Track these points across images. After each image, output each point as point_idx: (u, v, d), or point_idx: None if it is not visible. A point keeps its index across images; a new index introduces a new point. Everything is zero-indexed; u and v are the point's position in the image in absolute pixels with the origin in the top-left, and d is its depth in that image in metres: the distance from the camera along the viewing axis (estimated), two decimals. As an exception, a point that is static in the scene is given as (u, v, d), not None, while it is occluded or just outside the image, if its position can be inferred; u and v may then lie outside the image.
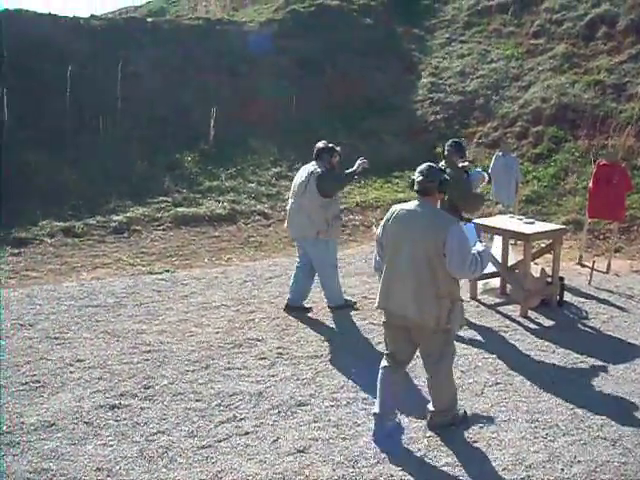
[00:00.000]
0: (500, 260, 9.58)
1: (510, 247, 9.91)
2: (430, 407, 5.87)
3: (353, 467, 5.24)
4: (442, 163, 8.03)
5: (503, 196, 11.96)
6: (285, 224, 9.05)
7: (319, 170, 8.27)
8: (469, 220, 7.74)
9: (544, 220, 11.23)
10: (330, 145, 8.51)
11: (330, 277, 8.64)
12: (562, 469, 5.24)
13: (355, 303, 9.02)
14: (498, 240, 10.09)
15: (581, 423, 5.98)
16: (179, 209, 13.23)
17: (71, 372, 6.82)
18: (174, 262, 11.06)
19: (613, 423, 5.98)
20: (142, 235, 12.17)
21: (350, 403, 6.24)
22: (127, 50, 16.11)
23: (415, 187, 5.55)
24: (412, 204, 5.57)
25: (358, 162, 8.56)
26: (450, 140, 8.51)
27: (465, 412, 6.02)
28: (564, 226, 10.51)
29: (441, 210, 5.73)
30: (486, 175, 8.76)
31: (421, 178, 5.48)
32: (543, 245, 10.15)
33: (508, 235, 9.54)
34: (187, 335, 7.90)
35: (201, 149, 15.24)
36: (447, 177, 5.58)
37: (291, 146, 15.96)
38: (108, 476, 5.08)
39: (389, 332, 5.75)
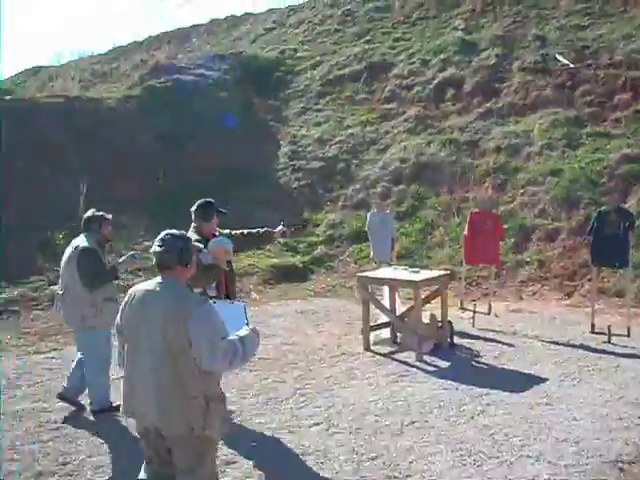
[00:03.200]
0: (389, 309, 9.96)
1: (397, 297, 10.33)
2: None
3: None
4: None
5: (379, 252, 12.28)
6: (53, 308, 8.36)
7: (85, 244, 7.26)
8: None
9: (419, 272, 11.68)
10: (100, 214, 7.55)
11: (96, 374, 7.38)
12: (498, 488, 5.51)
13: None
14: (386, 291, 10.49)
15: (502, 446, 6.31)
16: (55, 287, 12.85)
17: (-21, 457, 6.48)
18: (59, 340, 10.71)
19: (532, 442, 6.35)
20: (21, 316, 11.80)
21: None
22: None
23: (154, 261, 4.52)
24: (152, 282, 4.54)
25: (124, 257, 7.81)
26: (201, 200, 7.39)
27: None
28: (448, 271, 10.97)
29: (185, 288, 4.56)
30: (229, 246, 6.90)
31: (157, 249, 4.46)
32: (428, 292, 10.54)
33: (397, 284, 9.92)
34: (93, 409, 7.69)
35: (71, 226, 14.88)
36: (190, 246, 4.58)
37: (160, 220, 15.82)
38: None
39: (144, 443, 4.61)
